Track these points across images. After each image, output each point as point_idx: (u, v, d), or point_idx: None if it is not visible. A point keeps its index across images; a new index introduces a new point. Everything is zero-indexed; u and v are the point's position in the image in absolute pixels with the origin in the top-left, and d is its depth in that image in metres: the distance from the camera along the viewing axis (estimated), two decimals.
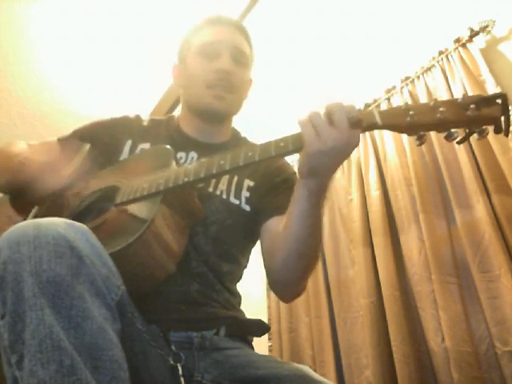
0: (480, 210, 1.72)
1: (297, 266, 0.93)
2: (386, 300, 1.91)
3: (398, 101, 2.20)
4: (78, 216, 0.95)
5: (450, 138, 0.78)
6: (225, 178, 1.06)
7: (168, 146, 1.00)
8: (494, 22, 1.90)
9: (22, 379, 0.55)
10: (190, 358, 0.87)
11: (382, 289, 1.95)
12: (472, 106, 0.74)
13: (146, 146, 1.10)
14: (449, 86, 1.99)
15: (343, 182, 2.35)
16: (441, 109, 0.75)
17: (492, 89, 1.82)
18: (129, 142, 1.10)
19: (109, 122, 1.16)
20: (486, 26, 1.91)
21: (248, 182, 1.08)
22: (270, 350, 2.40)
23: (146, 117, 1.21)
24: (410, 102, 2.14)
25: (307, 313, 2.30)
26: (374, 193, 2.15)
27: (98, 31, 2.15)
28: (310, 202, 0.85)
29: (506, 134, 0.75)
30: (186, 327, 0.90)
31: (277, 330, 2.40)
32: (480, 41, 1.94)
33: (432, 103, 0.77)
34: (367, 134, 2.31)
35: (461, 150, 1.85)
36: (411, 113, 0.77)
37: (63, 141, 1.16)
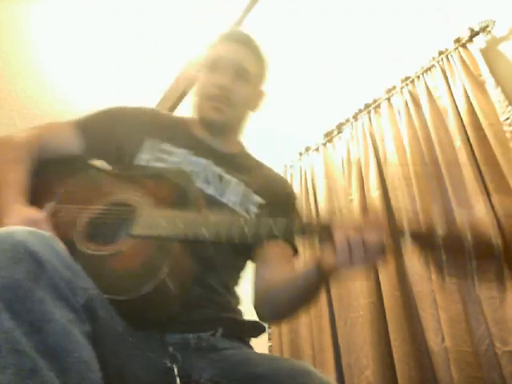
0: (480, 210, 1.72)
1: (285, 314, 1.08)
2: (386, 300, 1.91)
3: (399, 101, 2.20)
4: (91, 231, 0.90)
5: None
6: (236, 189, 1.08)
7: (188, 171, 1.00)
8: (494, 22, 1.90)
9: None
10: (187, 358, 0.87)
11: (382, 289, 1.95)
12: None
13: (167, 146, 1.09)
14: (449, 86, 1.99)
15: (343, 182, 2.35)
16: (469, 239, 0.73)
17: (492, 89, 1.82)
18: (149, 141, 1.09)
19: (126, 114, 1.17)
20: (486, 26, 1.91)
21: (258, 199, 1.10)
22: (269, 351, 2.39)
23: (162, 112, 1.23)
24: (409, 102, 2.14)
25: (307, 313, 2.29)
26: (374, 193, 2.14)
27: (98, 31, 2.15)
28: (319, 284, 0.94)
29: None
30: (182, 329, 0.91)
31: (277, 330, 2.40)
32: (480, 41, 1.94)
33: (467, 246, 0.72)
34: (367, 134, 2.31)
35: (461, 150, 1.85)
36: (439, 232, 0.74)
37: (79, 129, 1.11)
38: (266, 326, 1.08)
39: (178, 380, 0.82)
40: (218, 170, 1.09)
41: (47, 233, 0.70)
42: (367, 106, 2.35)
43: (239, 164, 1.15)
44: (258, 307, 1.07)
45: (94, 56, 2.26)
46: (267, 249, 1.06)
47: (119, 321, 0.77)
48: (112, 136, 1.11)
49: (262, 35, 2.13)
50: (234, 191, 1.08)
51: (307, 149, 2.62)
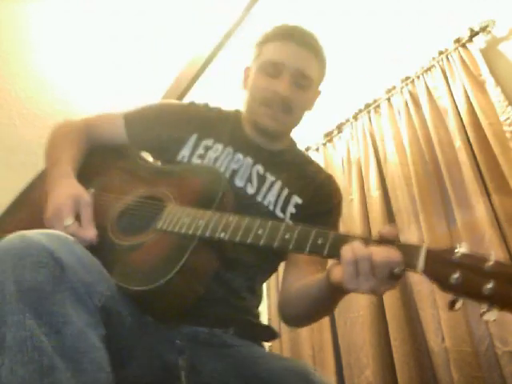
0: (480, 209, 1.72)
1: (305, 322, 1.11)
2: (386, 300, 1.91)
3: (399, 101, 2.20)
4: (121, 221, 0.94)
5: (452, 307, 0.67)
6: (275, 189, 1.08)
7: (220, 172, 1.02)
8: (494, 22, 1.90)
9: (2, 378, 0.57)
10: (194, 350, 0.89)
11: None
12: None
13: (210, 142, 1.10)
14: (449, 86, 1.99)
15: (343, 182, 2.35)
16: (490, 285, 0.63)
17: (492, 89, 1.82)
18: (194, 136, 1.11)
19: (175, 110, 1.18)
20: (486, 26, 1.91)
21: (296, 199, 1.09)
22: (269, 350, 2.40)
23: (214, 107, 1.20)
24: (409, 102, 2.14)
25: None
26: (374, 193, 2.14)
27: (98, 31, 2.15)
28: (331, 296, 0.89)
29: None
30: (194, 322, 0.92)
31: (277, 329, 2.40)
32: (480, 41, 1.94)
33: (487, 268, 0.65)
34: (367, 134, 2.31)
35: (461, 150, 1.85)
36: (456, 276, 0.66)
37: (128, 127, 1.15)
38: (278, 332, 1.10)
39: (182, 373, 0.84)
40: (261, 168, 1.09)
41: (70, 237, 0.74)
42: (367, 105, 2.35)
43: (284, 161, 1.14)
44: (281, 309, 1.07)
45: (93, 56, 2.26)
46: (294, 256, 1.04)
47: (132, 316, 0.78)
48: (157, 131, 1.13)
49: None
50: (273, 191, 1.07)
51: (307, 149, 2.62)
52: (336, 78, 2.33)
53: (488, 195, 1.73)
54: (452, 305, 0.67)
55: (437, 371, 1.69)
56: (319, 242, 0.77)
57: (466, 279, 0.66)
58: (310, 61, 1.10)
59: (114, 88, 2.38)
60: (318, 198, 1.11)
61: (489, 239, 1.66)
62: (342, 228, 2.27)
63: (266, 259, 1.06)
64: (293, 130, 1.20)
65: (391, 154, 2.15)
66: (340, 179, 2.37)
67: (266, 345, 2.46)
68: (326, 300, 0.91)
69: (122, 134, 1.14)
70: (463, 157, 1.83)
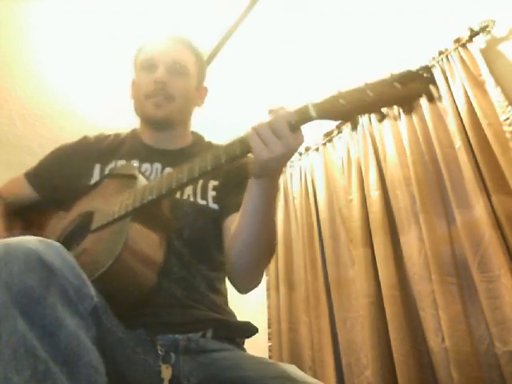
0: (480, 209, 1.72)
1: (251, 257, 0.98)
2: (386, 300, 1.91)
3: None
4: (64, 241, 1.00)
5: (381, 119, 0.81)
6: None
7: (131, 163, 1.07)
8: (494, 22, 1.89)
9: None
10: (175, 361, 0.88)
11: (382, 289, 1.95)
12: (396, 83, 0.82)
13: (112, 165, 1.13)
14: (449, 87, 1.99)
15: (343, 182, 2.35)
16: (368, 92, 0.80)
17: (492, 89, 1.82)
18: (97, 166, 1.14)
19: (71, 151, 1.20)
20: (486, 26, 1.91)
21: (213, 183, 1.12)
22: (269, 350, 2.40)
23: (109, 134, 1.24)
24: None
25: (307, 313, 2.29)
26: (374, 193, 2.14)
27: (97, 31, 2.15)
28: (263, 198, 0.91)
29: (440, 100, 0.82)
30: (172, 330, 0.91)
31: (276, 329, 2.40)
32: (480, 41, 1.93)
33: (362, 87, 0.82)
34: (367, 134, 2.31)
35: (461, 150, 1.85)
36: (342, 101, 0.80)
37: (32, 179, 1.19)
38: (257, 327, 1.05)
39: (165, 382, 0.83)
40: (169, 170, 1.10)
41: (56, 242, 0.72)
42: None
43: (191, 157, 1.12)
44: (229, 266, 1.03)
45: (94, 56, 2.26)
46: (227, 220, 1.06)
47: (118, 325, 0.80)
48: (62, 175, 1.16)
49: (263, 36, 2.14)
50: None
51: (307, 149, 2.62)
52: (335, 78, 2.34)
53: (488, 195, 1.73)
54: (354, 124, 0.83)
55: (437, 371, 1.69)
56: (230, 150, 0.86)
57: (349, 103, 0.79)
58: (183, 51, 1.17)
59: (114, 88, 2.38)
60: (231, 173, 1.12)
61: (489, 239, 1.67)
62: (342, 228, 2.29)
63: (200, 249, 1.05)
64: (186, 122, 1.22)
65: (391, 154, 2.14)
66: (340, 179, 2.37)
67: (266, 344, 2.48)
68: (259, 206, 0.91)
69: (30, 192, 1.17)
70: (463, 157, 1.83)
